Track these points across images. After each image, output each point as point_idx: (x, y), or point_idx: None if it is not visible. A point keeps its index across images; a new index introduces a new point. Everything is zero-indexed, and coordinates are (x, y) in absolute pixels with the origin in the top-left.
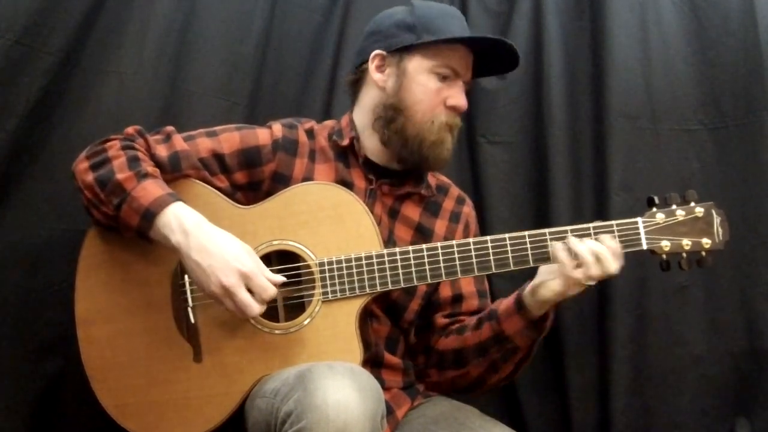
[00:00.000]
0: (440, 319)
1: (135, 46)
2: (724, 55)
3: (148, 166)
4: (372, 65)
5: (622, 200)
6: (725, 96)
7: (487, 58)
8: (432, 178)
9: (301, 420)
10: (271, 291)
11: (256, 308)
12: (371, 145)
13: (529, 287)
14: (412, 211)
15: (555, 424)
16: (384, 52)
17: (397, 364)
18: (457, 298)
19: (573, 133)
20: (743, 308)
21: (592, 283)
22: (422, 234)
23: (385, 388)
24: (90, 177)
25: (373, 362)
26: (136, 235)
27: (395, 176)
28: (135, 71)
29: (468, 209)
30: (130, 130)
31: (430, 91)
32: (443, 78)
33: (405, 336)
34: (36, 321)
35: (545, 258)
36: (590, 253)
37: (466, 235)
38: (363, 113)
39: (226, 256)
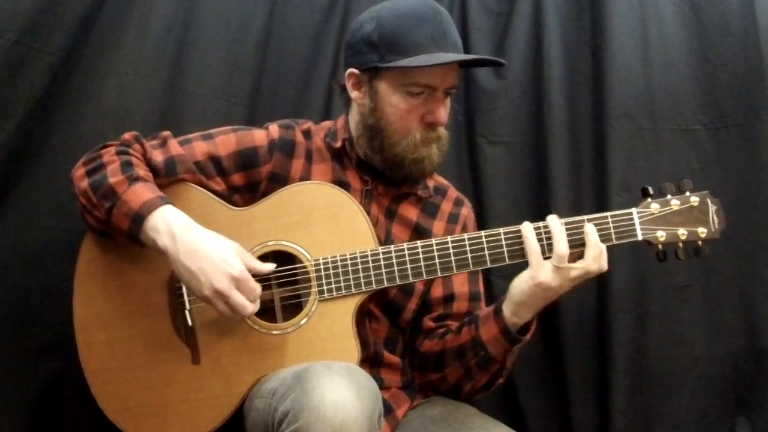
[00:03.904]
0: (428, 322)
1: (135, 46)
2: (724, 55)
3: (140, 170)
4: (348, 83)
5: (622, 200)
6: (725, 96)
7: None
8: (429, 180)
9: (297, 420)
10: (258, 292)
11: (249, 308)
12: (363, 150)
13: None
14: (409, 212)
15: (555, 424)
16: (356, 71)
17: (397, 363)
18: (448, 298)
19: (573, 133)
20: (743, 308)
21: (561, 266)
22: (420, 234)
23: (385, 387)
24: (85, 183)
25: (372, 362)
26: (127, 239)
27: (390, 177)
28: (135, 71)
29: (466, 211)
30: (127, 135)
31: (403, 112)
32: (417, 94)
33: (404, 335)
34: (36, 321)
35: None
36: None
37: None
38: (353, 122)
39: (215, 260)
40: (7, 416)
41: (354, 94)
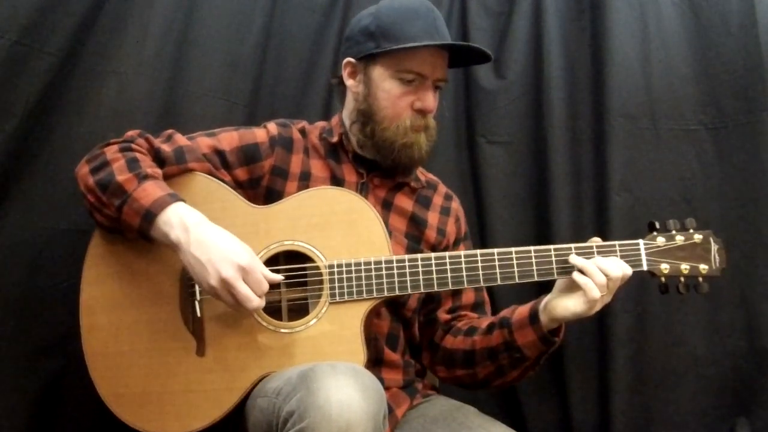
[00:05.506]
0: (443, 315)
1: (135, 46)
2: (724, 55)
3: (148, 168)
4: (345, 72)
5: (622, 200)
6: (725, 96)
7: (462, 50)
8: (420, 174)
9: (303, 419)
10: (265, 286)
11: (255, 301)
12: (356, 138)
13: (543, 303)
14: (405, 202)
15: (555, 424)
16: (353, 60)
17: (397, 361)
18: (456, 291)
19: (573, 133)
20: (743, 308)
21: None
22: (416, 224)
23: (385, 387)
24: (91, 180)
25: (373, 360)
26: (138, 235)
27: (385, 169)
28: (135, 71)
29: (456, 205)
30: (131, 132)
31: (394, 97)
32: (408, 82)
33: (406, 329)
34: (36, 321)
35: (552, 272)
36: (620, 270)
37: (457, 228)
38: (347, 112)
39: (225, 251)
40: (7, 416)
41: (349, 82)
